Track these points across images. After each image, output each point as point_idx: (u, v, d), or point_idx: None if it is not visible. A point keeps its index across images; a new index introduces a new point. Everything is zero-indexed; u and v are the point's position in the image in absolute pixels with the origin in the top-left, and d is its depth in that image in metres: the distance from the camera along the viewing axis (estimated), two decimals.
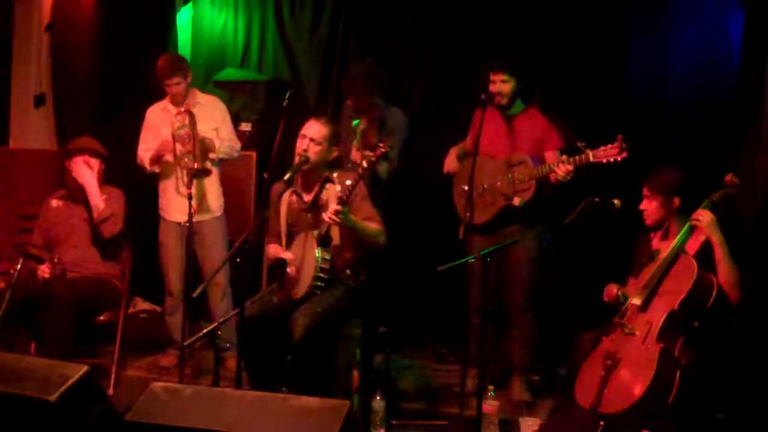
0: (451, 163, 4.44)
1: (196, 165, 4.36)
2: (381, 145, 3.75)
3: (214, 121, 4.65)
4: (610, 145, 3.80)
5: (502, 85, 4.19)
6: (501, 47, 4.70)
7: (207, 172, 4.45)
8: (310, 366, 3.77)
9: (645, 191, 3.65)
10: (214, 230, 4.70)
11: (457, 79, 5.25)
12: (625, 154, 3.76)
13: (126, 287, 4.49)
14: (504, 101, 4.21)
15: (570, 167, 3.91)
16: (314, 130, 3.93)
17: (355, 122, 4.50)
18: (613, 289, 3.66)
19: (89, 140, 4.57)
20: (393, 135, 4.48)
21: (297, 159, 3.90)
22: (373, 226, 3.89)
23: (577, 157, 3.91)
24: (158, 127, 4.66)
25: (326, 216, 3.71)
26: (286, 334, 3.70)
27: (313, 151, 3.90)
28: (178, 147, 4.51)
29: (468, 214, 3.95)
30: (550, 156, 4.15)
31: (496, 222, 4.21)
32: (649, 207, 3.64)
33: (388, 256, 4.10)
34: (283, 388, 3.63)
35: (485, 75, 4.25)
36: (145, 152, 4.68)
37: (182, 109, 4.51)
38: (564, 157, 4.00)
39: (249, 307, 3.71)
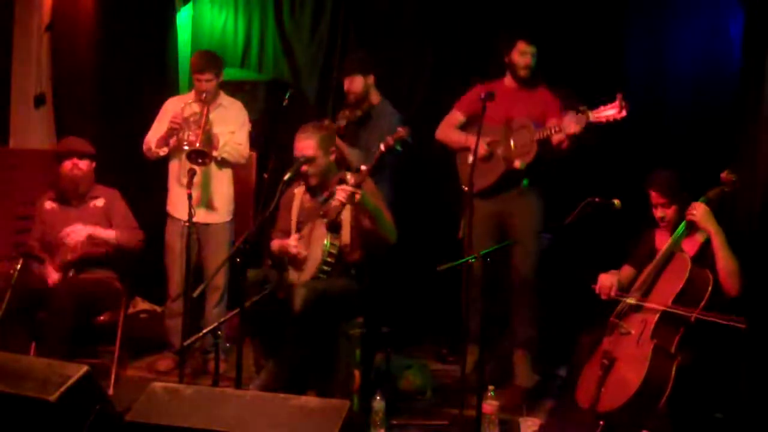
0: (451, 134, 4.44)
1: (198, 144, 4.29)
2: (401, 129, 3.72)
3: (232, 124, 4.62)
4: (609, 104, 3.80)
5: (532, 58, 4.23)
6: (528, 19, 4.69)
7: (204, 156, 4.33)
8: (308, 342, 3.75)
9: (659, 199, 3.59)
10: (221, 235, 4.66)
11: (457, 80, 5.25)
12: (624, 113, 3.74)
13: (126, 287, 4.48)
14: (527, 75, 4.25)
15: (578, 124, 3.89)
16: (304, 146, 3.92)
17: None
18: (609, 280, 3.62)
19: (76, 141, 4.51)
20: (374, 131, 4.52)
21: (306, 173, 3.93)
22: (389, 221, 3.89)
23: (578, 116, 3.90)
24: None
25: (339, 193, 3.69)
26: (288, 311, 3.69)
27: (314, 167, 3.91)
28: (185, 133, 4.42)
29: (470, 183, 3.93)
30: (550, 124, 4.17)
31: (498, 187, 4.22)
32: (668, 213, 3.59)
33: (389, 255, 4.10)
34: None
35: (509, 44, 4.25)
36: (152, 137, 4.59)
37: (198, 100, 4.45)
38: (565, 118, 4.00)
39: (251, 278, 3.73)
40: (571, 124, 3.91)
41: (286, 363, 3.73)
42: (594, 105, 3.86)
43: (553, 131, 4.00)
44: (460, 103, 4.45)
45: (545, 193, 4.29)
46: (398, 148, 3.71)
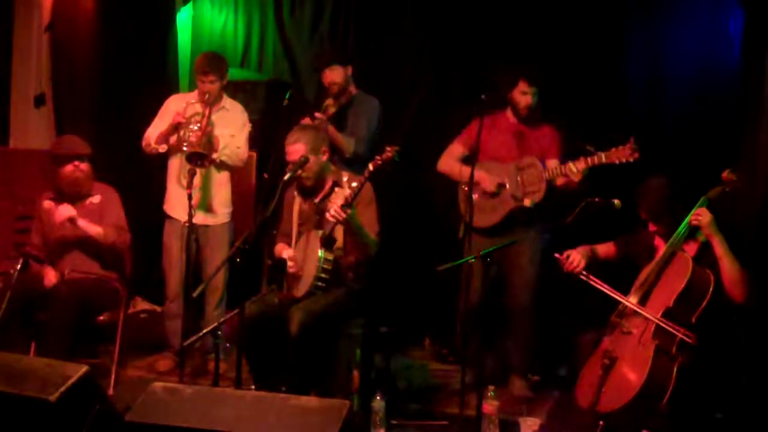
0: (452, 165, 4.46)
1: (197, 148, 4.26)
2: (389, 149, 3.70)
3: (233, 127, 4.60)
4: (621, 147, 3.82)
5: (533, 98, 4.25)
6: (530, 58, 4.68)
7: (204, 158, 4.29)
8: (307, 362, 3.76)
9: (647, 217, 3.61)
10: (220, 236, 4.64)
11: (457, 79, 5.25)
12: (637, 155, 3.78)
13: (126, 287, 4.48)
14: (529, 113, 4.27)
15: (582, 167, 3.95)
16: (293, 150, 3.92)
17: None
18: (577, 259, 3.63)
19: (74, 142, 4.46)
20: (360, 117, 4.58)
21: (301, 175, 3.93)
22: (371, 236, 3.91)
23: (589, 159, 3.94)
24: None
25: (330, 214, 3.71)
26: (285, 331, 3.70)
27: (307, 170, 3.91)
28: (186, 133, 4.41)
29: (470, 217, 3.96)
30: (551, 165, 4.19)
31: (504, 224, 4.23)
32: (660, 227, 3.61)
33: (389, 256, 4.10)
34: (283, 388, 3.63)
35: (511, 82, 4.27)
36: (152, 133, 4.56)
37: (201, 100, 4.44)
38: (578, 161, 4.03)
39: (249, 306, 3.72)
40: (572, 173, 3.98)
41: (288, 385, 3.73)
42: (601, 143, 3.91)
43: (557, 173, 4.07)
44: (461, 135, 4.46)
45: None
46: (387, 168, 3.72)
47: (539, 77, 4.26)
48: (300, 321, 3.66)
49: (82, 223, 4.26)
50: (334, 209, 3.68)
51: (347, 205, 3.67)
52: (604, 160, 3.89)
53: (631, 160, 3.79)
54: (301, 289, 3.87)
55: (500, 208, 4.22)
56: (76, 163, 4.37)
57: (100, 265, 4.39)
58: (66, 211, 4.22)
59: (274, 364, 3.84)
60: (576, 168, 3.96)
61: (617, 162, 3.84)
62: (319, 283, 3.81)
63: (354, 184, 3.75)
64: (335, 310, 3.82)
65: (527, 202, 4.16)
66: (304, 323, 3.66)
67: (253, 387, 3.91)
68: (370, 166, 3.72)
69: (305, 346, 3.69)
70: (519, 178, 4.17)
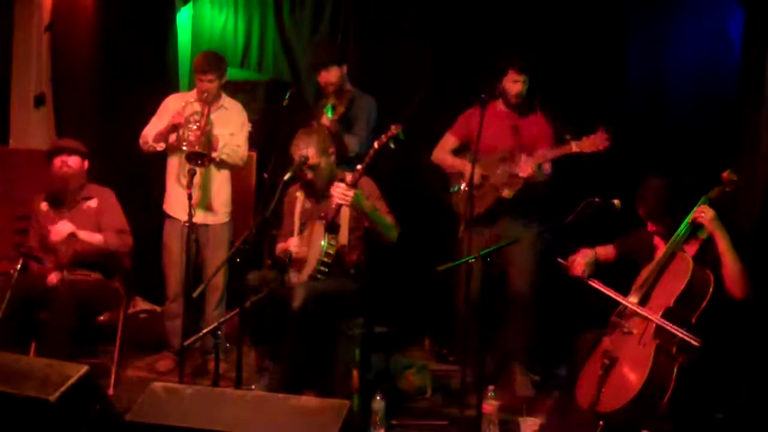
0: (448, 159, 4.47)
1: (197, 147, 4.27)
2: (393, 127, 3.71)
3: (233, 126, 4.60)
4: (592, 135, 3.85)
5: (524, 86, 4.26)
6: (521, 47, 4.69)
7: (203, 157, 4.29)
8: (306, 340, 3.76)
9: (644, 215, 3.61)
10: (220, 236, 4.64)
11: (457, 79, 5.25)
12: (607, 144, 3.83)
13: (126, 287, 4.48)
14: (519, 102, 4.29)
15: (549, 156, 4.04)
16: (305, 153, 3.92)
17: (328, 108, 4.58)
18: (582, 262, 3.66)
19: (65, 140, 4.52)
20: (359, 116, 4.57)
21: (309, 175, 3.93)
22: (388, 218, 3.90)
23: (560, 148, 3.97)
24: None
25: (335, 197, 3.69)
26: (286, 313, 3.70)
27: (318, 173, 3.93)
28: (185, 132, 4.40)
29: (468, 210, 3.96)
30: (539, 154, 4.21)
31: (491, 214, 4.27)
32: (660, 227, 3.60)
33: (388, 255, 4.10)
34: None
35: (501, 71, 4.29)
36: (150, 131, 4.55)
37: (199, 99, 4.44)
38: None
39: (251, 279, 3.77)
40: (526, 167, 4.06)
41: (287, 363, 3.73)
42: (578, 134, 3.96)
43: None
44: (453, 127, 4.51)
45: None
46: (391, 145, 3.72)
47: (528, 65, 4.28)
48: (302, 297, 3.66)
49: (83, 235, 4.27)
50: (339, 192, 3.68)
51: (352, 185, 3.66)
52: (574, 149, 3.92)
53: (602, 149, 3.83)
54: (303, 274, 3.87)
55: (484, 199, 4.24)
56: (64, 157, 4.37)
57: (93, 267, 4.37)
58: (64, 228, 4.22)
59: (276, 343, 3.84)
60: (527, 168, 4.05)
61: (588, 151, 3.89)
62: (322, 268, 3.81)
63: (358, 167, 3.75)
64: (337, 293, 3.82)
65: (505, 194, 4.20)
66: (306, 299, 3.65)
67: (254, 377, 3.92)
68: (375, 144, 3.72)
69: (306, 324, 3.68)
70: (500, 170, 4.19)
